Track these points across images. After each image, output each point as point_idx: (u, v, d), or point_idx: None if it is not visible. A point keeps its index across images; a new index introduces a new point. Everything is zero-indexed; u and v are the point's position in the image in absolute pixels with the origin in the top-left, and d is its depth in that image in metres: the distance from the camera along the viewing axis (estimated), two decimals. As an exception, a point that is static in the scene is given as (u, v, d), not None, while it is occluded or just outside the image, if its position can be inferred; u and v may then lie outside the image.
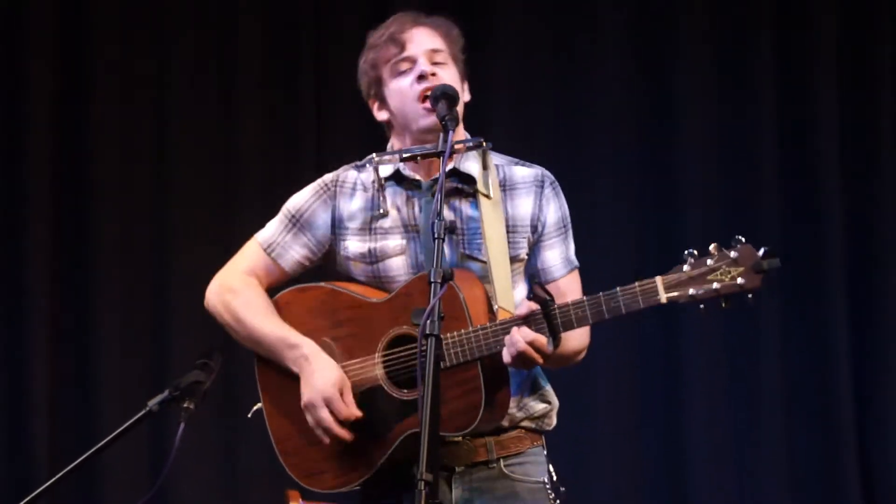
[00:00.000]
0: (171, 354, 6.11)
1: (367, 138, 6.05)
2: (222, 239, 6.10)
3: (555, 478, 3.69)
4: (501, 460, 3.64)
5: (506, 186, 3.71)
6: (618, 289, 3.40)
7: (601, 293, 3.41)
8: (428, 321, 3.24)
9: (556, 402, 3.74)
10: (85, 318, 6.16)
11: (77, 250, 6.20)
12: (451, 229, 3.40)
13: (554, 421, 3.73)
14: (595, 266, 6.06)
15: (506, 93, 6.26)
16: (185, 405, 3.62)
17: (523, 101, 6.29)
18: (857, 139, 6.27)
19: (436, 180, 3.63)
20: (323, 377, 3.59)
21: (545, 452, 3.71)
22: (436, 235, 3.35)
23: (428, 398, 3.19)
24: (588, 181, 6.19)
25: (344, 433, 3.57)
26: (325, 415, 3.57)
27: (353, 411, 3.57)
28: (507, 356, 3.46)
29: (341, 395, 3.58)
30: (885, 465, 6.16)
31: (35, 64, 6.18)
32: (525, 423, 3.67)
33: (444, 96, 3.58)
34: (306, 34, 6.34)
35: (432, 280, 3.29)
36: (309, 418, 3.60)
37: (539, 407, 3.69)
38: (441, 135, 3.52)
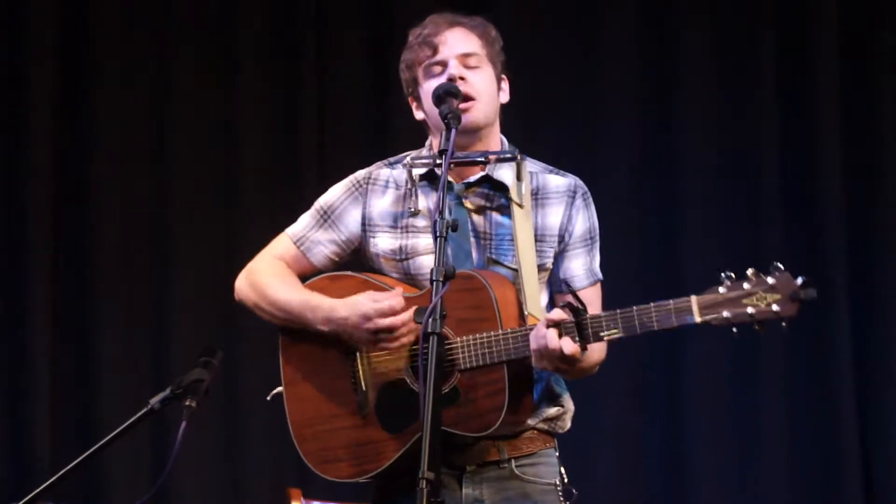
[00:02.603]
0: (173, 353, 6.10)
1: (368, 138, 6.13)
2: (222, 238, 6.12)
3: (566, 479, 3.69)
4: (513, 461, 3.64)
5: (538, 195, 3.73)
6: (651, 304, 3.40)
7: (634, 307, 3.41)
8: (430, 319, 3.24)
9: (570, 406, 3.74)
10: (86, 317, 6.16)
11: (77, 249, 6.19)
12: (454, 227, 3.39)
13: (568, 424, 3.73)
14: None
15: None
16: (187, 403, 3.62)
17: (525, 104, 6.28)
18: (857, 139, 6.26)
19: (468, 184, 3.69)
20: (352, 311, 3.59)
21: (557, 454, 3.70)
22: (437, 234, 3.36)
23: (430, 396, 3.20)
24: (590, 184, 6.17)
25: (404, 317, 3.55)
26: (387, 322, 3.56)
27: (396, 299, 3.56)
28: (535, 353, 3.45)
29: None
30: (887, 467, 6.15)
31: (35, 64, 6.18)
32: (539, 425, 3.67)
33: (447, 94, 3.60)
34: (308, 34, 6.34)
35: (434, 279, 3.29)
36: (364, 333, 3.58)
37: (552, 410, 3.69)
38: (454, 130, 3.52)
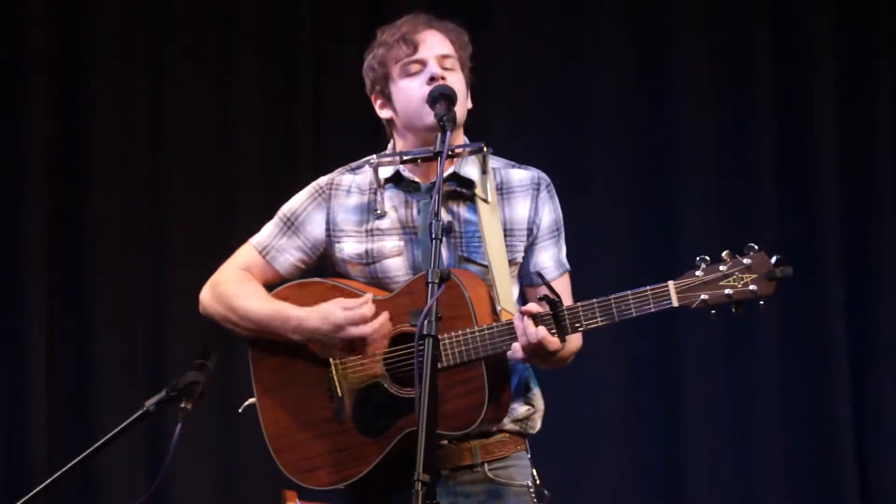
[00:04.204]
0: (169, 355, 6.10)
1: (365, 139, 6.10)
2: (220, 240, 6.11)
3: (538, 481, 3.69)
4: (486, 464, 3.64)
5: (503, 190, 3.72)
6: (629, 292, 3.40)
7: (611, 296, 3.41)
8: (426, 321, 3.24)
9: (540, 405, 3.73)
10: (82, 319, 6.16)
11: (75, 250, 6.19)
12: (448, 229, 3.40)
13: (538, 424, 3.73)
14: (593, 265, 6.08)
15: (504, 94, 6.25)
16: (182, 405, 3.62)
17: (521, 102, 6.29)
18: (855, 139, 6.27)
19: (434, 182, 3.63)
20: (323, 321, 3.59)
21: (529, 456, 3.71)
22: (433, 236, 3.35)
23: (425, 399, 3.19)
24: (586, 182, 6.19)
25: (385, 327, 3.56)
26: (358, 332, 3.56)
27: (367, 306, 3.55)
28: (518, 350, 3.45)
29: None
30: (883, 465, 6.16)
31: (34, 65, 6.17)
32: (509, 427, 3.67)
33: (442, 97, 3.60)
34: (305, 34, 6.34)
35: (430, 280, 3.29)
36: (336, 342, 3.58)
37: (522, 409, 3.69)
38: (449, 133, 3.53)
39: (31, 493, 3.60)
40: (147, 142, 6.28)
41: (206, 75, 6.31)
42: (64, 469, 3.62)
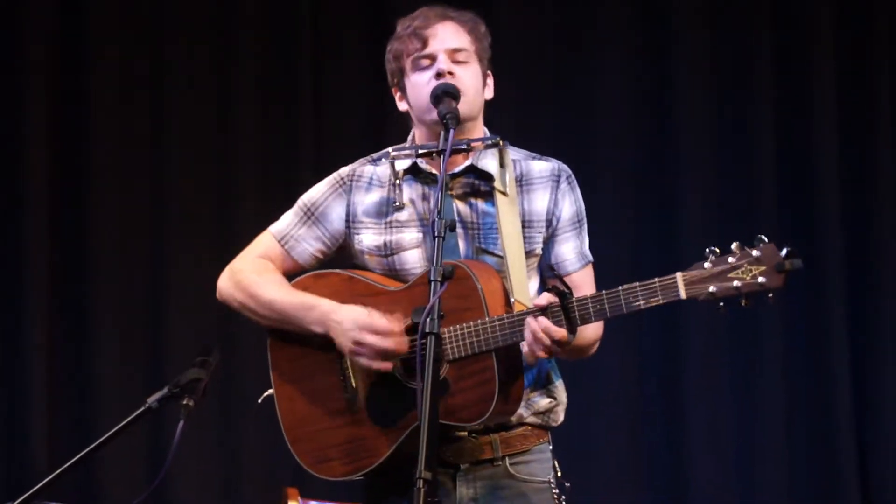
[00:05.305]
0: (170, 352, 6.10)
1: (365, 139, 6.12)
2: (220, 238, 6.12)
3: (559, 474, 3.68)
4: (507, 458, 3.63)
5: (522, 181, 3.72)
6: (637, 284, 3.39)
7: (619, 287, 3.40)
8: (427, 319, 3.24)
9: (563, 398, 3.73)
10: (84, 316, 6.16)
11: (75, 249, 6.19)
12: (452, 227, 3.40)
13: (560, 417, 3.72)
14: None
15: (503, 93, 6.24)
16: (185, 402, 3.62)
17: (521, 102, 6.29)
18: (855, 139, 6.28)
19: (453, 175, 3.67)
20: (349, 317, 3.57)
21: (551, 448, 3.70)
22: (436, 233, 3.36)
23: (427, 397, 3.19)
24: (586, 181, 6.17)
25: (402, 346, 3.54)
26: (372, 340, 3.54)
27: (397, 324, 3.54)
28: (526, 346, 3.45)
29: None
30: (883, 465, 6.17)
31: (33, 64, 6.17)
32: (530, 419, 3.66)
33: (445, 94, 3.60)
34: (305, 34, 6.34)
35: (432, 278, 3.30)
36: (360, 360, 3.57)
37: (544, 402, 3.69)
38: (452, 131, 3.52)
39: (32, 490, 3.60)
40: (147, 142, 6.28)
41: (206, 75, 6.31)
42: (65, 466, 3.62)
